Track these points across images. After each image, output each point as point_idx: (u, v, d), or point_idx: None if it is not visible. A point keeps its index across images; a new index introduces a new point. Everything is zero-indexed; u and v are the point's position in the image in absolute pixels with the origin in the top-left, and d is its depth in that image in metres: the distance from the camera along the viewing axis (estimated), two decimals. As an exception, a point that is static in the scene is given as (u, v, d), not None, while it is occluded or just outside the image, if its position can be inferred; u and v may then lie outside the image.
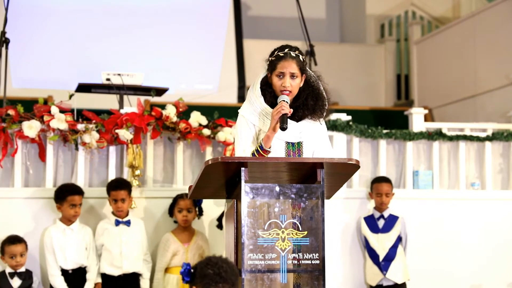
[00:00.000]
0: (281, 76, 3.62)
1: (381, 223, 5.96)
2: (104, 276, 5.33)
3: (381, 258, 5.89)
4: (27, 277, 5.12)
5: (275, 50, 3.71)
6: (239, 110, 3.72)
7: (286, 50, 3.66)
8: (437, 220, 6.31)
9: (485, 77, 8.63)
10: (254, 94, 3.69)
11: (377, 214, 5.98)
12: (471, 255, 6.30)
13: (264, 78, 3.73)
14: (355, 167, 3.19)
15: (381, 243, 5.91)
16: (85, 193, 5.34)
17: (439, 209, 6.32)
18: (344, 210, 6.08)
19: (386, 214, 5.97)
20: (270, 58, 3.69)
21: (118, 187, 5.34)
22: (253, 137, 3.65)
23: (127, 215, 5.40)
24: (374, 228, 5.96)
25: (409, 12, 11.39)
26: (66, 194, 5.23)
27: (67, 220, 5.27)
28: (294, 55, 3.63)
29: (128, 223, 5.37)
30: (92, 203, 5.55)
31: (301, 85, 3.67)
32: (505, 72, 8.04)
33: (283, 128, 3.46)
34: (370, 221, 5.98)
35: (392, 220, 5.97)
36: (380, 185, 5.97)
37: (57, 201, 5.26)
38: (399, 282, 5.89)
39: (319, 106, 3.70)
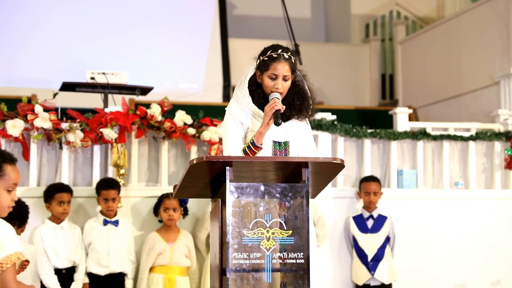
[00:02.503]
0: (273, 78, 3.62)
1: (370, 223, 5.98)
2: (90, 275, 5.31)
3: (369, 258, 5.91)
4: None
5: (267, 49, 3.68)
6: (226, 108, 3.72)
7: (279, 51, 3.64)
8: (421, 219, 6.34)
9: (469, 77, 8.68)
10: (242, 93, 3.68)
11: (366, 214, 6.00)
12: (455, 254, 6.34)
13: (251, 77, 3.72)
14: (340, 166, 3.20)
15: (370, 243, 5.93)
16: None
17: (423, 208, 6.35)
18: (331, 209, 6.09)
19: (375, 214, 5.99)
20: (262, 57, 3.67)
21: (110, 187, 5.34)
22: (242, 135, 3.66)
23: (115, 214, 5.39)
24: (363, 228, 5.97)
25: (393, 12, 11.43)
26: (53, 192, 5.22)
27: (57, 219, 5.26)
28: (287, 57, 3.63)
29: (116, 223, 5.36)
30: (77, 202, 5.53)
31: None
32: (489, 72, 8.09)
33: (278, 124, 3.49)
34: (359, 221, 6.00)
35: (381, 220, 5.99)
36: (368, 184, 5.99)
37: (46, 201, 5.25)
38: (386, 282, 5.92)
39: (305, 106, 3.71)
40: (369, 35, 11.43)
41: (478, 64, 8.49)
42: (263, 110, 3.61)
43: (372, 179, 6.05)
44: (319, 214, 5.84)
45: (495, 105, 7.70)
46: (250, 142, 3.56)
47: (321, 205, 5.88)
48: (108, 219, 5.36)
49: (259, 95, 3.68)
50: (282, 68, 3.61)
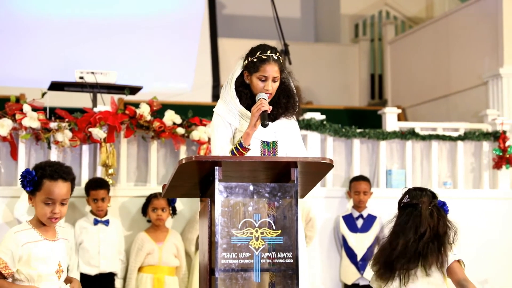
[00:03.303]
0: (263, 80, 3.62)
1: (359, 222, 5.99)
2: (80, 275, 5.28)
3: (359, 258, 5.92)
4: None
5: (256, 50, 3.68)
6: (214, 109, 3.73)
7: (268, 52, 3.64)
8: (410, 219, 6.34)
9: (458, 77, 8.71)
10: (229, 94, 3.69)
11: (355, 214, 6.02)
12: (444, 253, 6.35)
13: (238, 77, 3.72)
14: (329, 166, 3.20)
15: (360, 243, 5.94)
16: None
17: (412, 208, 6.35)
18: (320, 209, 6.10)
19: (365, 213, 6.01)
20: (250, 58, 3.66)
21: (99, 187, 5.32)
22: (230, 135, 3.66)
23: (106, 214, 5.37)
24: (352, 228, 5.98)
25: (383, 12, 11.45)
26: None
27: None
28: (276, 58, 3.64)
29: (106, 222, 5.34)
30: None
31: None
32: (478, 72, 8.11)
33: (265, 125, 3.50)
34: (349, 220, 6.01)
35: (370, 220, 6.01)
36: (358, 184, 6.01)
37: None
38: None
39: (291, 103, 3.73)
40: (358, 35, 11.45)
41: (467, 64, 8.51)
42: (250, 110, 3.61)
43: (362, 178, 6.07)
44: (311, 216, 5.86)
45: (484, 105, 7.73)
46: (238, 143, 3.56)
47: (314, 207, 5.89)
48: (99, 219, 5.34)
49: (246, 96, 3.68)
50: (271, 70, 3.62)
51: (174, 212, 5.55)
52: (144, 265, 5.41)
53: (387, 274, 3.63)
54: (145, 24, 9.96)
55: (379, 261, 3.69)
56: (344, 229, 6.00)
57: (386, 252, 3.66)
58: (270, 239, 3.05)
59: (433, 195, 3.79)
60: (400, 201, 3.83)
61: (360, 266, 5.92)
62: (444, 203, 3.83)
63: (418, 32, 9.83)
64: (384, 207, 6.23)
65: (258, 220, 3.05)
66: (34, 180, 3.18)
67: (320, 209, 6.09)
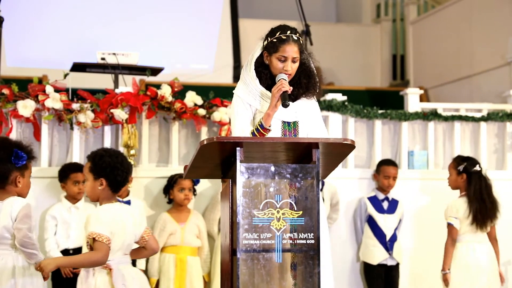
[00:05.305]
0: (283, 60, 3.61)
1: (385, 204, 6.01)
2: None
3: (387, 238, 5.93)
4: None
5: (275, 30, 3.67)
6: (234, 91, 3.73)
7: (288, 32, 3.63)
8: (431, 200, 6.33)
9: (481, 58, 8.63)
10: (249, 75, 3.68)
11: (381, 196, 6.03)
12: (466, 235, 6.32)
13: (258, 58, 3.71)
14: (351, 147, 3.19)
15: (387, 224, 5.95)
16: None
17: (434, 189, 6.34)
18: (342, 190, 6.09)
19: (390, 196, 6.02)
20: (270, 39, 3.65)
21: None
22: (250, 117, 3.66)
23: (127, 195, 5.40)
24: (379, 209, 5.99)
25: (405, -8, 11.36)
26: (68, 172, 5.24)
27: (72, 199, 5.27)
28: (296, 38, 3.62)
29: (128, 203, 5.36)
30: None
31: None
32: (501, 53, 8.03)
33: (285, 105, 3.49)
34: (375, 202, 6.02)
35: (395, 203, 6.04)
36: (388, 168, 6.01)
37: (61, 180, 5.27)
38: (401, 262, 5.96)
39: (312, 84, 3.72)
40: (380, 15, 11.37)
41: (490, 44, 8.43)
42: (271, 91, 3.61)
43: (392, 163, 6.07)
44: (338, 199, 5.90)
45: (507, 86, 7.66)
46: (259, 125, 3.56)
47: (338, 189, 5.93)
48: (120, 199, 5.37)
49: (266, 76, 3.68)
50: (291, 50, 3.60)
51: (194, 193, 5.58)
52: (166, 246, 5.44)
53: (479, 224, 5.24)
54: (166, 6, 9.96)
55: (470, 215, 5.25)
56: (372, 209, 6.00)
57: (477, 208, 5.22)
58: (292, 219, 3.05)
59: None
60: (468, 169, 5.32)
61: (389, 246, 5.92)
62: None
63: (441, 12, 9.74)
64: (405, 188, 6.23)
65: (280, 201, 3.05)
66: None
67: (341, 190, 6.09)
